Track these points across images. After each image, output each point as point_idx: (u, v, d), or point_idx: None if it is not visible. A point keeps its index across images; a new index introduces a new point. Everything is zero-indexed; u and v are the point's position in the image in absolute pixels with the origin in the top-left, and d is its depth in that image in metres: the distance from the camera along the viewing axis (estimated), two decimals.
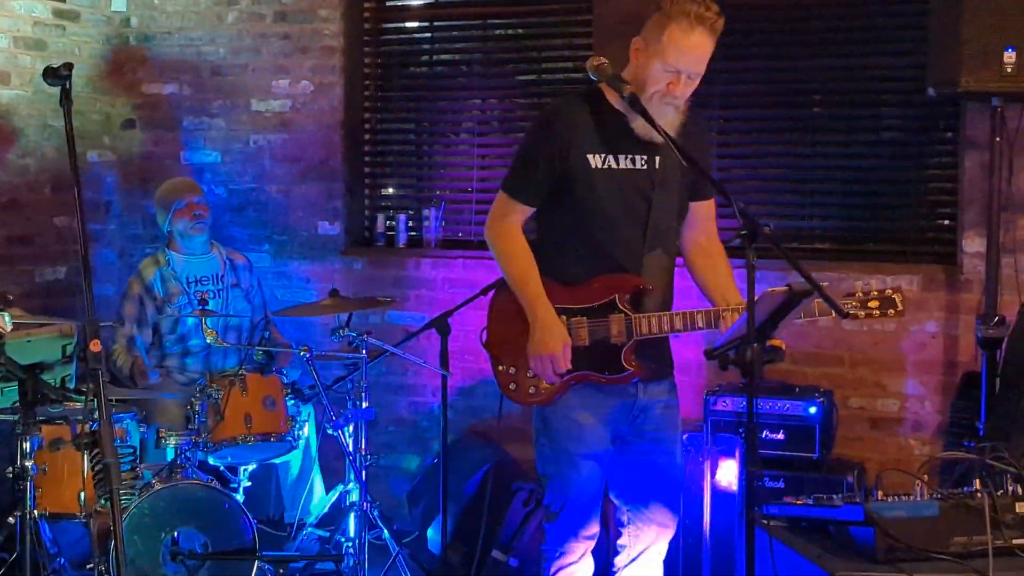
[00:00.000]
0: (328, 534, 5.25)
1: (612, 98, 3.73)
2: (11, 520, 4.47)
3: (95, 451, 3.16)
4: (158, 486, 4.60)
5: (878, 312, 3.69)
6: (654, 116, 3.55)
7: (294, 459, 5.48)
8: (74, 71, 6.15)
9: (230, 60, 6.56)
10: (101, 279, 6.66)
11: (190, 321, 5.48)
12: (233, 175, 6.59)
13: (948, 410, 5.29)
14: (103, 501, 3.13)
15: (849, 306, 3.62)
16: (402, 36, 6.46)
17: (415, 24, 6.45)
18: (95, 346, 2.80)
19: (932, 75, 4.79)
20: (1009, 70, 4.58)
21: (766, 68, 5.76)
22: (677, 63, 3.58)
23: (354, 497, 5.17)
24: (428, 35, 6.43)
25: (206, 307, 5.11)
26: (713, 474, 5.06)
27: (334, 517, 5.32)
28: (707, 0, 3.61)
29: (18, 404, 3.75)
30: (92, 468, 3.69)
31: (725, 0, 5.50)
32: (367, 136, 6.50)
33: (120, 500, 2.77)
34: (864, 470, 5.35)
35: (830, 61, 5.62)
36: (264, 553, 4.64)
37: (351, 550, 5.09)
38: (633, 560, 3.94)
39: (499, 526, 5.10)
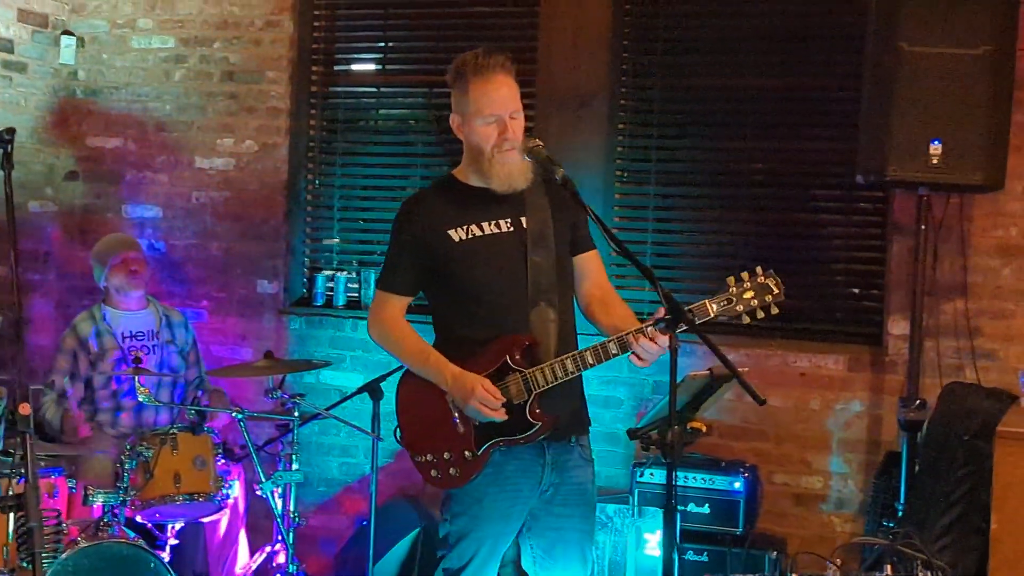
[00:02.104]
0: None
1: (464, 177, 3.88)
2: None
3: (19, 514, 3.16)
4: (83, 543, 4.59)
5: (756, 302, 3.59)
6: (504, 169, 3.72)
7: (222, 518, 5.47)
8: (19, 121, 6.29)
9: (176, 116, 6.61)
10: (38, 329, 6.65)
11: (117, 380, 5.48)
12: (174, 230, 6.62)
13: (870, 489, 5.37)
14: (25, 564, 3.13)
15: (723, 304, 3.59)
16: (348, 100, 6.53)
17: (361, 88, 6.52)
18: (24, 409, 2.82)
19: (861, 163, 4.93)
20: (935, 161, 4.71)
21: (703, 147, 5.90)
22: (493, 110, 3.72)
23: (280, 559, 5.18)
24: (374, 100, 6.51)
25: (139, 365, 5.11)
26: (638, 547, 5.12)
27: None
28: (487, 49, 3.78)
29: None
30: (16, 530, 3.68)
31: (671, 83, 5.81)
32: (309, 196, 6.56)
33: (43, 563, 2.76)
34: (786, 547, 5.44)
35: (766, 144, 5.76)
36: None
37: None
38: None
39: None
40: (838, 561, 3.62)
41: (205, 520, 5.32)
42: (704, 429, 3.48)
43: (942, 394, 4.97)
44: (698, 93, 5.88)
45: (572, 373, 3.71)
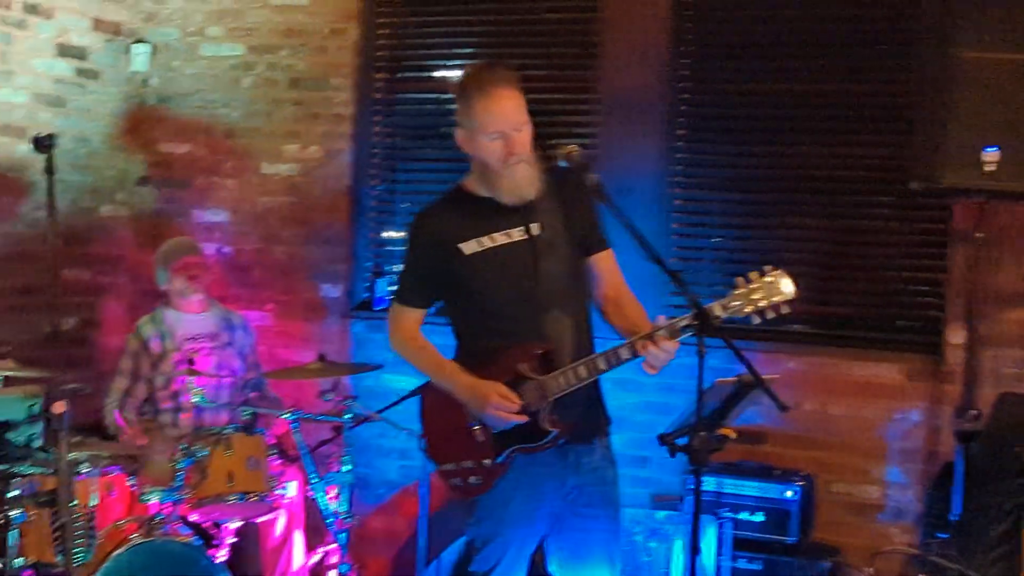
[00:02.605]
0: None
1: (473, 188, 3.91)
2: None
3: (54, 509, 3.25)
4: (137, 540, 4.69)
5: (764, 303, 3.57)
6: (512, 182, 3.76)
7: (278, 519, 5.55)
8: (92, 127, 6.45)
9: (243, 123, 6.72)
10: (109, 331, 6.80)
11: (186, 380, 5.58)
12: (241, 235, 6.73)
13: (926, 499, 5.30)
14: (59, 557, 3.22)
15: (731, 306, 3.58)
16: (411, 106, 6.58)
17: (425, 95, 6.57)
18: (58, 408, 2.90)
19: (915, 169, 4.86)
20: (990, 168, 4.63)
21: (762, 153, 5.85)
22: (497, 127, 3.73)
23: (334, 559, 5.24)
24: (436, 106, 6.55)
25: (193, 366, 5.21)
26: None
27: None
28: (490, 63, 3.83)
29: None
30: (50, 526, 3.79)
31: (731, 88, 5.79)
32: (372, 202, 6.62)
33: (75, 557, 2.83)
34: (841, 557, 5.38)
35: (825, 149, 5.71)
36: None
37: None
38: None
39: None
40: (871, 570, 3.57)
41: (259, 520, 5.40)
42: (733, 435, 3.45)
43: (995, 404, 4.89)
44: (757, 98, 5.84)
45: (586, 379, 3.73)
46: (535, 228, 3.86)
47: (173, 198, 6.89)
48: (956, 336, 5.35)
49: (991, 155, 4.62)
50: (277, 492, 5.25)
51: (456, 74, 6.30)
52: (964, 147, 4.67)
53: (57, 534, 3.19)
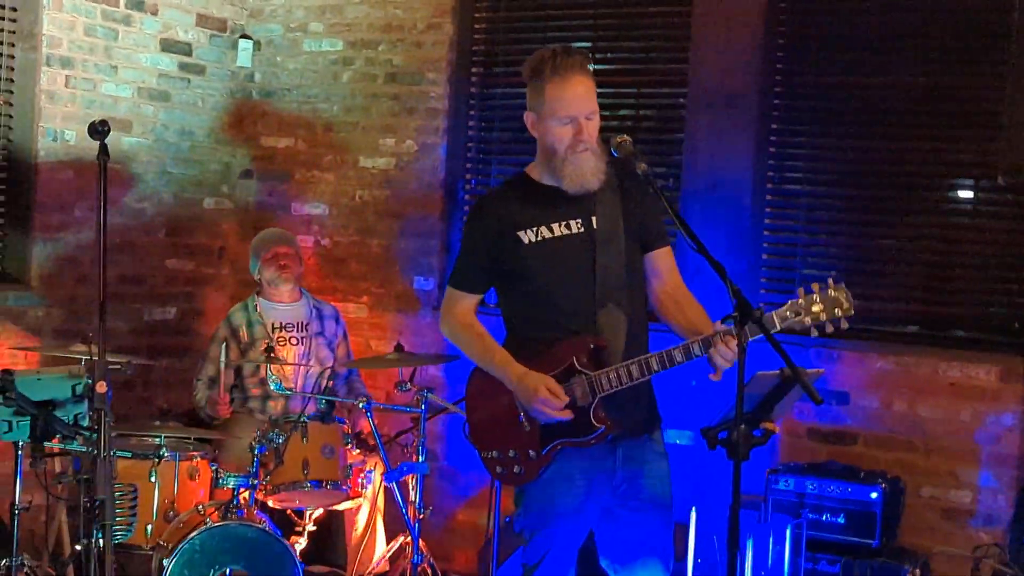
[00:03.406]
0: None
1: (537, 175, 3.85)
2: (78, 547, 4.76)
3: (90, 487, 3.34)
4: (211, 523, 4.78)
5: (824, 315, 3.51)
6: (577, 170, 3.68)
7: (362, 510, 5.61)
8: (196, 121, 6.61)
9: (342, 117, 6.81)
10: (212, 321, 6.92)
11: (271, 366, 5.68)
12: (338, 228, 6.82)
13: (1015, 505, 5.13)
14: (98, 534, 3.31)
15: (789, 315, 3.53)
16: (506, 100, 6.58)
17: (520, 89, 6.55)
18: (100, 387, 2.97)
19: (1002, 164, 4.71)
20: None
21: (855, 147, 5.72)
22: (569, 112, 3.68)
23: (413, 551, 5.27)
24: None
25: (271, 354, 5.29)
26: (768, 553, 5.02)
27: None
28: (565, 48, 3.73)
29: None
30: (85, 504, 3.89)
31: (817, 81, 5.68)
32: (466, 196, 6.65)
33: (113, 536, 2.90)
34: (928, 563, 5.23)
35: (918, 144, 5.56)
36: None
37: None
38: None
39: None
40: (917, 572, 3.46)
41: (340, 508, 5.47)
42: (776, 430, 3.35)
43: None
44: (850, 92, 5.71)
45: (637, 379, 3.67)
46: (595, 220, 3.81)
47: (275, 191, 7.01)
48: None
49: None
50: (359, 481, 5.31)
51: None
52: None
53: (95, 512, 3.27)
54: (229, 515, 4.87)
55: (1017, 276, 5.39)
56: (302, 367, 5.75)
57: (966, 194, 5.48)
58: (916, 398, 5.45)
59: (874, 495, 5.11)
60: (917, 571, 5.01)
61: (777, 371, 3.27)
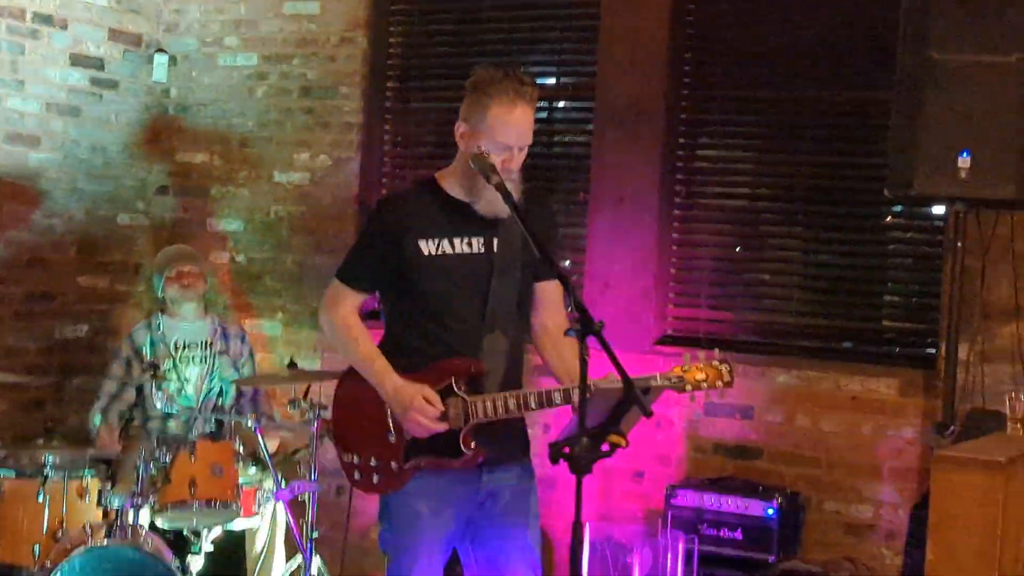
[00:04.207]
0: None
1: (448, 186, 3.79)
2: None
3: None
4: (91, 544, 4.71)
5: (706, 384, 3.64)
6: (495, 197, 3.61)
7: (261, 530, 5.54)
8: (109, 137, 6.55)
9: (257, 132, 6.77)
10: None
11: (172, 386, 5.62)
12: (253, 244, 6.77)
13: (909, 520, 5.09)
14: None
15: (674, 379, 3.59)
16: (421, 116, 6.54)
17: (435, 104, 6.53)
18: None
19: (889, 177, 4.68)
20: (963, 175, 4.43)
21: (758, 161, 5.72)
22: (507, 140, 3.63)
23: (314, 570, 5.20)
24: (447, 115, 6.47)
25: (155, 373, 5.24)
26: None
27: None
28: (519, 74, 3.66)
29: None
30: None
31: (723, 95, 5.66)
32: None
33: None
34: None
35: (820, 158, 5.54)
36: None
37: None
38: None
39: None
40: None
41: (237, 528, 5.40)
42: (624, 444, 3.29)
43: (964, 421, 4.67)
44: (757, 105, 5.70)
45: (512, 412, 3.65)
46: (496, 243, 3.76)
47: (191, 207, 6.96)
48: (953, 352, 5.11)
49: (965, 161, 4.41)
50: (256, 500, 5.25)
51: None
52: (937, 153, 4.48)
53: None
54: (113, 535, 4.79)
55: (916, 290, 5.36)
56: (203, 386, 5.67)
57: (867, 209, 5.43)
58: (819, 412, 5.42)
59: (770, 511, 5.07)
60: None
61: (618, 384, 3.21)
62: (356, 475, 3.82)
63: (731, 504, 5.14)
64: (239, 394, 5.88)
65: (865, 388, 5.34)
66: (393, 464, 3.74)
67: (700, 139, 5.84)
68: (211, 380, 5.74)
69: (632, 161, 5.80)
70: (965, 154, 4.43)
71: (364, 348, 3.83)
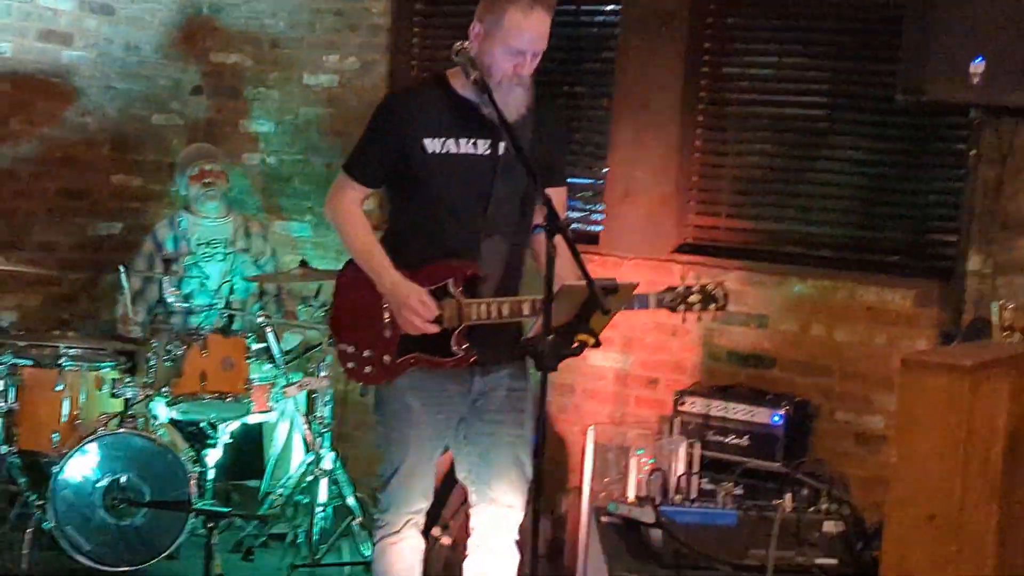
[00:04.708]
0: (306, 500, 5.38)
1: (457, 83, 3.75)
2: None
3: None
4: (102, 433, 4.83)
5: (699, 307, 3.70)
6: (505, 99, 3.59)
7: (280, 425, 5.64)
8: (143, 36, 6.57)
9: (288, 33, 6.76)
10: None
11: (192, 282, 5.71)
12: (284, 146, 6.81)
13: None
14: None
15: (667, 299, 3.63)
16: (452, 19, 6.50)
17: (466, 6, 6.45)
18: None
19: (900, 81, 4.58)
20: (976, 80, 4.33)
21: (787, 67, 5.59)
22: (520, 45, 3.59)
23: (327, 464, 5.29)
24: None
25: (168, 267, 5.31)
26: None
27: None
28: None
29: None
30: None
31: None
32: None
33: None
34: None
35: (842, 63, 5.42)
36: (197, 507, 4.81)
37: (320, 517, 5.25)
38: (483, 542, 3.93)
39: (442, 507, 5.14)
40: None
41: (252, 422, 5.50)
42: (591, 342, 3.29)
43: (966, 330, 4.61)
44: (785, 9, 5.55)
45: (506, 317, 3.66)
46: (502, 146, 3.74)
47: (224, 107, 7.00)
48: (969, 262, 5.04)
49: (978, 67, 4.31)
50: (267, 396, 5.34)
51: None
52: (949, 58, 4.37)
53: None
54: (124, 424, 4.91)
55: (936, 200, 5.27)
56: (223, 283, 5.76)
57: (889, 117, 5.30)
58: (833, 322, 5.37)
59: (776, 418, 5.05)
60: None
61: (582, 282, 3.21)
62: (350, 364, 3.87)
63: (738, 411, 5.12)
64: (262, 292, 5.96)
65: (880, 299, 5.28)
66: (386, 358, 3.78)
67: (725, 44, 5.73)
68: (232, 277, 5.81)
69: (656, 66, 5.72)
70: (979, 59, 4.32)
71: (363, 240, 3.84)
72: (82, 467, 4.81)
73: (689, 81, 5.72)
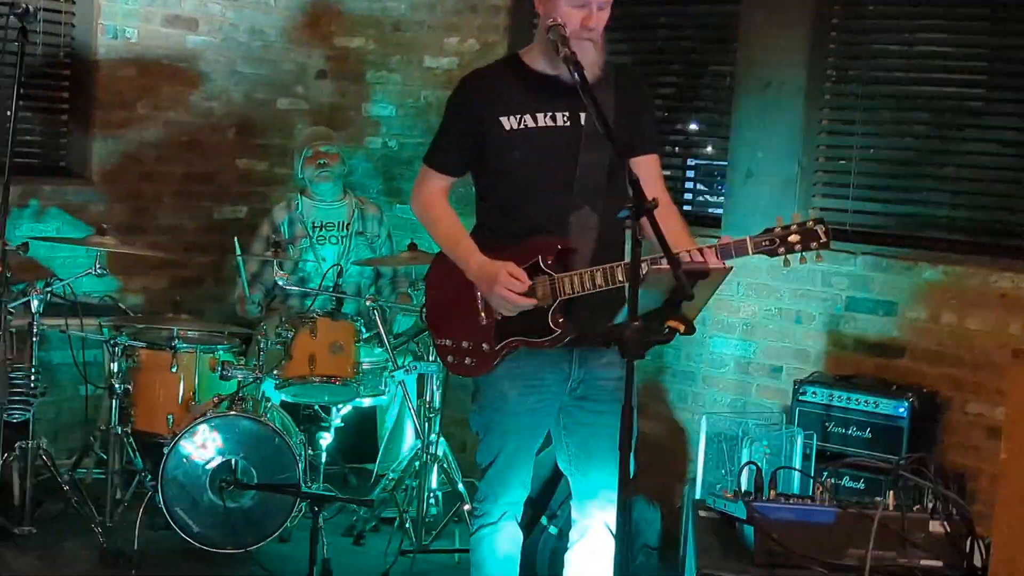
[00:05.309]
0: (415, 483, 5.35)
1: (531, 60, 3.67)
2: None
3: None
4: (211, 414, 4.85)
5: (799, 246, 3.45)
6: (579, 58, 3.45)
7: (392, 409, 5.62)
8: (268, 21, 6.61)
9: (409, 16, 6.73)
10: None
11: (309, 265, 5.71)
12: (405, 129, 6.78)
13: None
14: None
15: (765, 243, 3.43)
16: None
17: None
18: None
19: None
20: None
21: (919, 43, 5.34)
22: None
23: (434, 450, 5.25)
24: None
25: (278, 250, 5.31)
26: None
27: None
28: None
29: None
30: None
31: None
32: None
33: (10, 414, 2.95)
34: (964, 481, 4.94)
35: (979, 38, 5.16)
36: (303, 490, 4.80)
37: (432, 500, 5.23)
38: (583, 534, 3.83)
39: (551, 497, 5.04)
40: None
41: (366, 405, 5.48)
42: (683, 329, 3.14)
43: None
44: None
45: (600, 287, 3.52)
46: (583, 116, 3.63)
47: (347, 91, 7.00)
48: None
49: None
50: (381, 379, 5.31)
51: None
52: None
53: None
54: (233, 407, 4.92)
55: None
56: (334, 266, 5.74)
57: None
58: (965, 310, 5.11)
59: (901, 410, 4.83)
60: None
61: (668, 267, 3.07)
62: (450, 359, 3.79)
63: (860, 402, 4.91)
64: (378, 275, 5.94)
65: (1015, 285, 5.00)
66: (485, 346, 3.69)
67: (854, 19, 5.49)
68: (347, 260, 5.80)
69: (780, 42, 5.52)
70: None
71: (447, 228, 3.77)
72: (192, 449, 4.82)
73: (815, 57, 5.50)
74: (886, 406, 4.88)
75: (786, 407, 5.32)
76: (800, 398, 5.06)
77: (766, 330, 5.59)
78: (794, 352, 5.51)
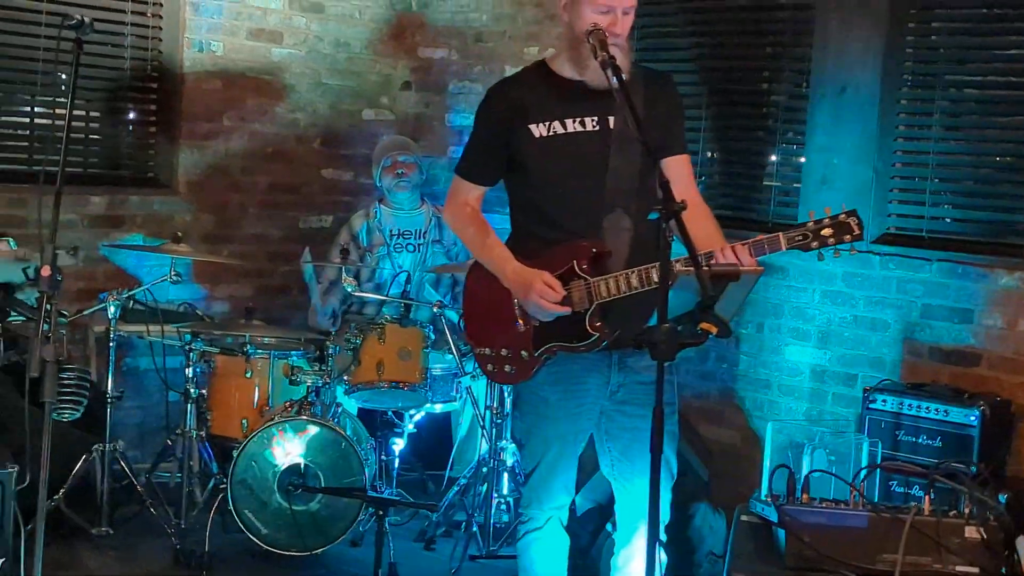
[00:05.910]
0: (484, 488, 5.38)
1: (557, 66, 3.69)
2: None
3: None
4: (279, 419, 4.94)
5: (833, 240, 3.44)
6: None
7: (465, 415, 5.67)
8: (353, 33, 6.72)
9: (491, 27, 6.79)
10: None
11: (385, 272, 5.79)
12: None
13: None
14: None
15: (798, 238, 3.42)
16: (645, 6, 6.32)
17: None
18: (45, 271, 3.11)
19: None
20: None
21: (995, 46, 5.23)
22: (609, 1, 3.51)
23: (503, 456, 5.28)
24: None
25: (345, 257, 5.38)
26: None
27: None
28: None
29: None
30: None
31: None
32: None
33: (52, 411, 3.05)
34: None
35: None
36: (369, 494, 4.86)
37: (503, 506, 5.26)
38: (627, 539, 3.83)
39: (612, 501, 5.03)
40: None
41: (439, 411, 5.53)
42: (716, 331, 3.12)
43: None
44: None
45: (636, 288, 3.53)
46: (612, 120, 3.66)
47: (432, 102, 7.09)
48: None
49: None
50: (454, 385, 5.37)
51: None
52: None
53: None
54: (302, 412, 5.01)
55: None
56: (415, 273, 5.82)
57: None
58: None
59: (972, 418, 4.74)
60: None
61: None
62: (490, 367, 3.83)
63: (931, 410, 4.83)
64: (454, 282, 6.00)
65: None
66: (524, 353, 3.72)
67: (931, 23, 5.40)
68: (423, 268, 5.87)
69: (856, 46, 5.46)
70: None
71: (481, 238, 3.83)
72: (260, 452, 4.92)
73: (890, 62, 5.42)
74: (956, 414, 4.78)
75: (859, 415, 5.25)
76: (870, 406, 4.99)
77: (841, 338, 5.52)
78: (869, 360, 5.44)
